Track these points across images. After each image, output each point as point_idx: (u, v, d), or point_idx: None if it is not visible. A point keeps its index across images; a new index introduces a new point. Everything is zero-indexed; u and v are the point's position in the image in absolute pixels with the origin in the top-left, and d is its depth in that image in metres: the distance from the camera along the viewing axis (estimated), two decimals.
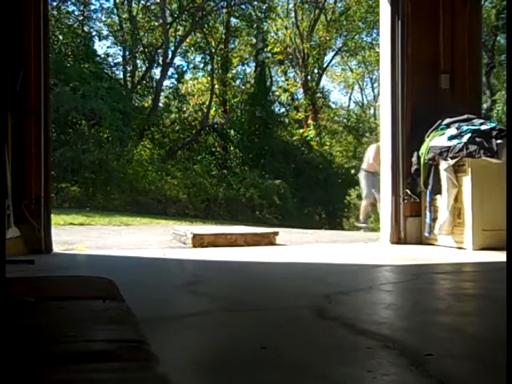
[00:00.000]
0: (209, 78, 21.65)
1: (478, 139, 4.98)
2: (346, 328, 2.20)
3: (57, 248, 5.05)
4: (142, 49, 21.92)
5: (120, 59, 22.05)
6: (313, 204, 19.71)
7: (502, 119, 17.52)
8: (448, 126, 5.33)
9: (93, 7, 21.72)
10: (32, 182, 4.82)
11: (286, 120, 22.27)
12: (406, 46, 5.56)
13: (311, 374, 1.63)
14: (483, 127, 5.12)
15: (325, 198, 19.34)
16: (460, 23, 5.66)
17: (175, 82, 22.13)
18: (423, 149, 5.39)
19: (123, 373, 1.07)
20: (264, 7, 21.95)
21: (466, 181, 5.05)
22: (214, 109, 21.42)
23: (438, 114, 5.45)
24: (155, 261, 4.63)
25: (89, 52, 19.87)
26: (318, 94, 23.91)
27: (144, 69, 22.26)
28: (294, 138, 20.93)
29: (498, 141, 4.95)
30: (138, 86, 21.97)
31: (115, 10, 21.81)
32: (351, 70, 27.25)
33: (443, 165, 5.17)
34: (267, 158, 19.55)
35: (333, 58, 24.98)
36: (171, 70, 22.01)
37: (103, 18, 21.97)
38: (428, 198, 5.38)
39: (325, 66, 24.18)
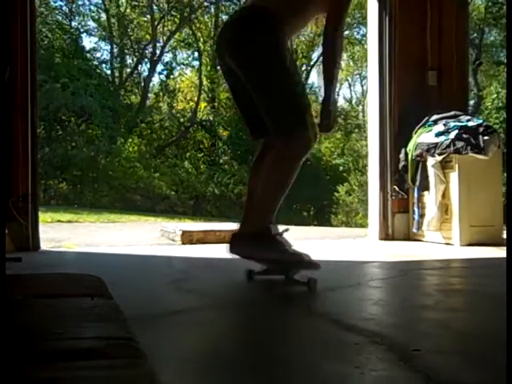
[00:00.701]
0: (197, 75, 21.62)
1: (465, 136, 5.01)
2: (334, 324, 2.21)
3: (44, 245, 5.02)
4: (130, 45, 21.85)
5: (108, 55, 21.97)
6: (301, 200, 19.74)
7: (490, 116, 17.62)
8: (435, 122, 5.36)
9: (80, 3, 21.62)
10: (19, 179, 4.78)
11: None
12: (394, 43, 5.58)
13: (299, 370, 1.64)
14: (470, 124, 5.15)
15: (313, 195, 19.37)
16: (448, 20, 5.68)
17: (164, 79, 22.08)
18: (411, 145, 5.41)
19: (111, 370, 1.07)
20: None
21: (454, 177, 5.08)
22: (202, 105, 21.39)
23: (425, 111, 5.48)
24: (143, 258, 4.62)
25: (77, 48, 19.77)
26: (307, 90, 23.93)
27: (132, 65, 22.20)
28: None
29: (485, 137, 4.98)
30: (127, 83, 21.89)
31: (103, 6, 21.71)
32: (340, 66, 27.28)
33: (430, 161, 5.20)
34: (255, 154, 19.53)
35: (321, 53, 24.99)
36: (160, 67, 21.97)
37: (91, 14, 21.89)
38: (416, 195, 5.41)
39: (313, 62, 24.22)
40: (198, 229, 5.75)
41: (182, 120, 21.11)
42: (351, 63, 26.57)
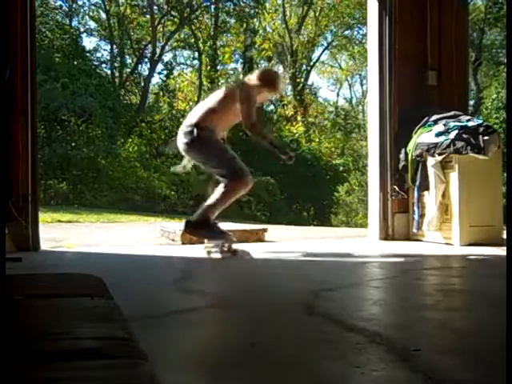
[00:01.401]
0: (197, 75, 21.61)
1: (464, 136, 5.01)
2: (335, 324, 2.21)
3: (44, 245, 5.02)
4: (130, 45, 21.85)
5: (108, 55, 21.98)
6: (301, 200, 19.73)
7: (490, 116, 17.62)
8: (435, 122, 5.36)
9: (80, 2, 21.63)
10: (19, 179, 4.78)
11: (275, 116, 22.26)
12: (394, 43, 5.58)
13: (300, 370, 1.64)
14: (470, 124, 5.15)
15: (313, 195, 19.36)
16: (447, 20, 5.68)
17: (164, 79, 22.07)
18: (411, 145, 5.41)
19: (111, 370, 1.07)
20: (252, 3, 21.93)
21: (453, 177, 5.07)
22: None
23: (425, 111, 5.47)
24: (143, 258, 4.62)
25: (78, 48, 19.76)
26: (307, 91, 23.94)
27: (132, 65, 22.20)
28: (283, 135, 20.93)
29: (485, 137, 4.97)
30: (127, 83, 21.89)
31: (103, 6, 21.71)
32: (340, 67, 27.31)
33: (430, 161, 5.20)
34: (255, 155, 19.53)
35: (321, 54, 25.02)
36: (160, 66, 21.97)
37: (91, 14, 21.90)
38: (416, 195, 5.41)
39: (313, 62, 24.22)
40: None
41: (181, 120, 21.08)
42: (351, 63, 26.58)
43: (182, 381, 1.59)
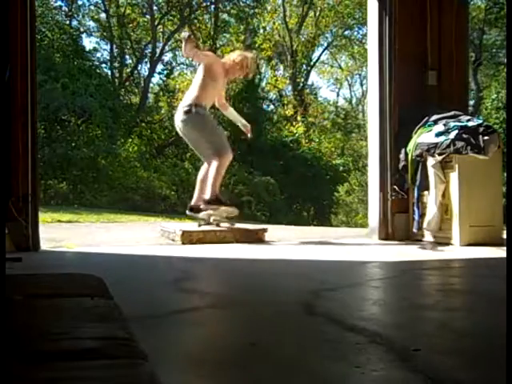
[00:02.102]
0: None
1: (464, 136, 5.01)
2: (334, 324, 2.21)
3: (44, 245, 5.02)
4: (130, 45, 21.85)
5: (108, 55, 21.99)
6: (301, 200, 19.75)
7: (490, 116, 17.62)
8: (435, 122, 5.36)
9: (80, 2, 21.64)
10: (19, 179, 4.78)
11: (275, 116, 22.27)
12: (394, 43, 5.58)
13: (300, 370, 1.64)
14: (470, 124, 5.15)
15: (313, 195, 19.37)
16: (447, 19, 5.68)
17: (164, 79, 22.08)
18: (411, 145, 5.41)
19: (111, 370, 1.07)
20: (253, 3, 21.93)
21: (453, 177, 5.08)
22: None
23: (425, 111, 5.48)
24: (143, 258, 4.62)
25: (78, 48, 19.77)
26: (307, 91, 23.95)
27: (132, 65, 22.20)
28: (283, 135, 20.94)
29: (485, 137, 4.98)
30: (127, 83, 21.90)
31: (103, 6, 21.72)
32: (340, 67, 27.32)
33: (430, 161, 5.20)
34: (256, 155, 19.54)
35: (321, 54, 25.03)
36: (160, 66, 21.98)
37: (91, 14, 21.91)
38: (416, 195, 5.41)
39: (313, 62, 24.23)
40: (198, 229, 5.74)
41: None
42: (351, 63, 26.59)
43: (182, 381, 1.59)
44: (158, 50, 21.60)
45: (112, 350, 1.17)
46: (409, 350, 1.79)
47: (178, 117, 5.48)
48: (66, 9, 21.33)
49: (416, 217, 5.42)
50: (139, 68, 22.48)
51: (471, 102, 18.00)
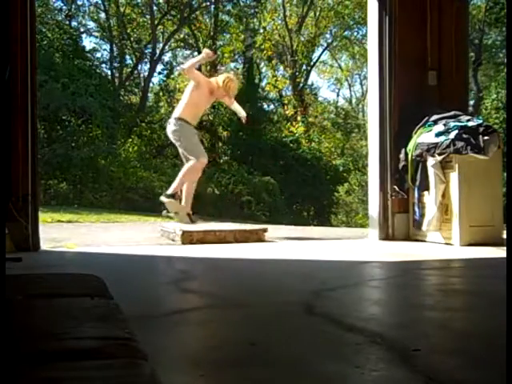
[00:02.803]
0: None
1: (465, 136, 5.01)
2: (334, 324, 2.21)
3: (45, 245, 5.02)
4: (130, 45, 21.85)
5: (108, 55, 21.99)
6: (301, 200, 19.73)
7: (490, 116, 17.62)
8: (435, 122, 5.36)
9: (80, 2, 21.63)
10: (19, 179, 4.78)
11: (275, 116, 22.27)
12: (394, 43, 5.58)
13: (300, 370, 1.64)
14: (470, 124, 5.15)
15: (313, 195, 19.35)
16: (447, 20, 5.68)
17: (164, 79, 22.07)
18: (411, 145, 5.41)
19: (111, 370, 1.07)
20: (253, 3, 21.93)
21: (453, 177, 5.08)
22: None
23: (425, 111, 5.48)
24: (144, 258, 4.62)
25: (78, 48, 19.76)
26: (307, 91, 23.94)
27: (132, 65, 22.20)
28: (283, 135, 20.93)
29: (485, 137, 4.98)
30: (126, 83, 21.90)
31: (103, 6, 21.71)
32: (340, 67, 27.32)
33: (430, 161, 5.20)
34: (256, 155, 19.53)
35: (321, 54, 25.03)
36: (160, 66, 21.97)
37: (90, 14, 21.91)
38: (416, 195, 5.41)
39: (313, 62, 24.22)
40: (198, 229, 5.74)
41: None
42: (351, 63, 26.60)
43: (181, 381, 1.59)
44: (157, 50, 21.60)
45: (112, 350, 1.17)
46: (409, 350, 1.79)
47: (168, 127, 6.53)
48: (66, 9, 21.32)
49: (416, 217, 5.42)
50: (139, 68, 22.48)
51: (471, 102, 17.99)
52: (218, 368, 1.68)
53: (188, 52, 22.92)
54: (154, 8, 21.48)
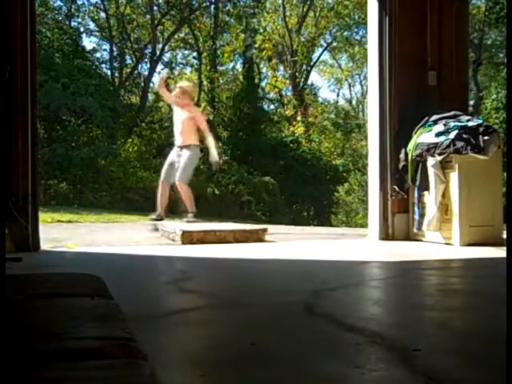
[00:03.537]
0: (197, 75, 21.63)
1: (465, 136, 5.01)
2: (335, 324, 2.21)
3: (44, 245, 5.02)
4: (130, 45, 21.84)
5: (108, 55, 21.98)
6: (301, 200, 19.72)
7: (490, 116, 17.62)
8: (435, 122, 5.36)
9: (80, 2, 21.62)
10: (19, 179, 4.78)
11: (275, 117, 22.26)
12: (394, 43, 5.58)
13: (299, 370, 1.64)
14: (470, 124, 5.15)
15: (313, 195, 19.35)
16: (447, 20, 5.68)
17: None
18: (411, 145, 5.41)
19: (112, 370, 1.07)
20: (253, 3, 21.92)
21: (453, 177, 5.07)
22: (202, 105, 21.38)
23: (425, 111, 5.47)
24: (144, 258, 4.62)
25: (78, 48, 19.76)
26: (307, 91, 23.94)
27: (132, 65, 22.19)
28: (283, 135, 20.93)
29: (485, 137, 4.97)
30: (126, 83, 21.89)
31: (102, 6, 21.71)
32: (340, 67, 27.32)
33: (430, 161, 5.20)
34: (256, 155, 19.53)
35: (321, 54, 25.03)
36: (160, 66, 21.97)
37: (90, 14, 21.91)
38: (416, 195, 5.41)
39: (313, 62, 24.22)
40: (198, 229, 5.75)
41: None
42: (351, 63, 26.59)
43: (181, 381, 1.60)
44: (158, 50, 21.59)
45: (112, 350, 1.17)
46: (409, 350, 1.79)
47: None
48: (66, 9, 21.31)
49: (416, 217, 5.41)
50: (139, 68, 22.47)
51: (471, 102, 17.98)
52: (217, 368, 1.68)
53: (188, 52, 22.92)
54: (154, 8, 21.46)
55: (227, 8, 21.98)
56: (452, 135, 5.06)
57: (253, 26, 22.26)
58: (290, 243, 5.84)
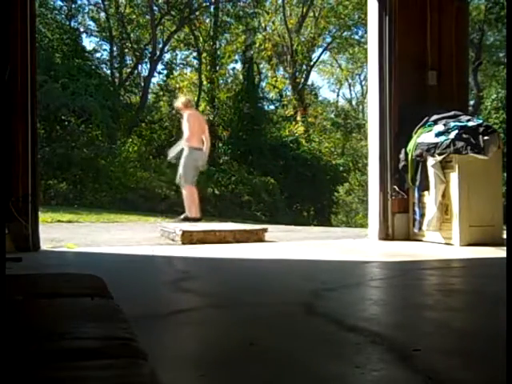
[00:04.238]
0: (197, 75, 21.63)
1: (464, 136, 5.01)
2: (335, 324, 2.21)
3: (45, 245, 5.02)
4: (130, 45, 21.84)
5: (108, 55, 21.98)
6: (301, 200, 19.72)
7: (490, 116, 17.62)
8: (435, 122, 5.36)
9: (80, 2, 21.62)
10: (19, 179, 4.78)
11: (275, 116, 22.26)
12: (394, 43, 5.58)
13: (300, 370, 1.64)
14: (470, 124, 5.15)
15: (313, 195, 19.35)
16: (447, 20, 5.68)
17: (164, 78, 22.07)
18: (411, 145, 5.41)
19: (112, 370, 1.07)
20: (253, 3, 21.92)
21: (453, 177, 5.07)
22: (202, 105, 21.38)
23: (425, 111, 5.47)
24: (144, 258, 4.62)
25: (77, 48, 19.76)
26: (307, 91, 23.94)
27: (132, 65, 22.19)
28: (283, 135, 20.93)
29: (485, 137, 4.97)
30: (126, 83, 21.89)
31: (102, 6, 21.71)
32: (340, 67, 27.32)
33: (430, 161, 5.20)
34: (256, 155, 19.53)
35: (321, 54, 25.04)
36: (160, 66, 21.97)
37: (90, 14, 21.91)
38: (416, 195, 5.41)
39: (313, 62, 24.22)
40: (197, 229, 5.75)
41: (181, 120, 20.96)
42: (351, 63, 26.58)
43: (181, 380, 1.59)
44: (157, 50, 21.58)
45: (112, 350, 1.17)
46: (409, 350, 1.79)
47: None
48: (66, 9, 21.31)
49: (417, 217, 5.41)
50: (139, 68, 22.47)
51: (471, 102, 17.98)
52: (217, 368, 1.68)
53: (188, 52, 22.92)
54: (154, 8, 21.46)
55: (227, 8, 21.98)
56: (452, 135, 5.06)
57: (253, 26, 22.26)
58: (290, 243, 5.83)
